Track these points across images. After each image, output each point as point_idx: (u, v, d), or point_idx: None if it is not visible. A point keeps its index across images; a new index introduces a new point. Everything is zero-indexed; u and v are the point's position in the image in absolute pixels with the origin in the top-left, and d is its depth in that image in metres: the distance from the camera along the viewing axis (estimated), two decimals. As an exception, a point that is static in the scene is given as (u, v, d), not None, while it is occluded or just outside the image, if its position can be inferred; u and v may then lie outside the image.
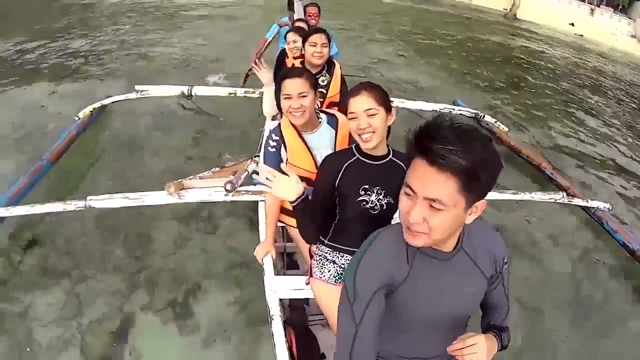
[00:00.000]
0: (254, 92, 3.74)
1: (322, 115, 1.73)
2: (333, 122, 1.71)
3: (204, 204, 2.95)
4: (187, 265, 2.62)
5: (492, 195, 2.74)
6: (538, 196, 2.98)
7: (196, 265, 2.63)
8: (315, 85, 1.63)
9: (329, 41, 2.44)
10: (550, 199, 3.03)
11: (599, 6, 30.54)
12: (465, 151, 0.72)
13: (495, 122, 4.42)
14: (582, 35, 21.99)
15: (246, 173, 2.62)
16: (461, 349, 0.94)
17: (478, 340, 0.95)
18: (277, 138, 1.67)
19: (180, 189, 2.23)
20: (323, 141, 1.68)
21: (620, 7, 32.64)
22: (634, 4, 32.21)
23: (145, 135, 4.05)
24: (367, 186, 1.37)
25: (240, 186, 2.38)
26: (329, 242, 1.51)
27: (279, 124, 1.70)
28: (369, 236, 0.97)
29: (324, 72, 2.57)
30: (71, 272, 2.45)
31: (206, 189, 2.30)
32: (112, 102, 3.94)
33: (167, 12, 9.57)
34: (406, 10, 14.71)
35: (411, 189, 0.78)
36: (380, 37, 9.66)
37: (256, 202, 2.37)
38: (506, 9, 23.84)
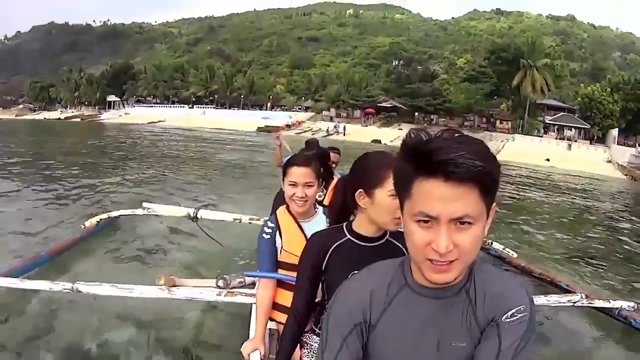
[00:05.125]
0: (258, 219, 3.68)
1: (318, 206, 1.78)
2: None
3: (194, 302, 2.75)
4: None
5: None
6: (554, 299, 2.81)
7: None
8: (319, 175, 1.70)
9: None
10: (569, 301, 2.84)
11: (576, 141, 34.07)
12: (474, 152, 0.62)
13: (504, 248, 4.37)
14: (553, 167, 27.19)
15: (242, 279, 2.56)
16: None
17: None
18: (273, 225, 1.68)
19: (172, 285, 2.17)
20: (319, 229, 1.66)
21: (595, 137, 36.36)
22: (608, 132, 35.91)
23: (146, 249, 4.02)
24: (357, 272, 1.21)
25: (233, 288, 2.30)
26: (320, 332, 1.35)
27: (276, 213, 1.74)
28: None
29: (322, 187, 2.71)
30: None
31: (198, 287, 2.24)
32: (119, 216, 4.12)
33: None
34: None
35: (429, 217, 0.65)
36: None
37: (250, 306, 2.24)
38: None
